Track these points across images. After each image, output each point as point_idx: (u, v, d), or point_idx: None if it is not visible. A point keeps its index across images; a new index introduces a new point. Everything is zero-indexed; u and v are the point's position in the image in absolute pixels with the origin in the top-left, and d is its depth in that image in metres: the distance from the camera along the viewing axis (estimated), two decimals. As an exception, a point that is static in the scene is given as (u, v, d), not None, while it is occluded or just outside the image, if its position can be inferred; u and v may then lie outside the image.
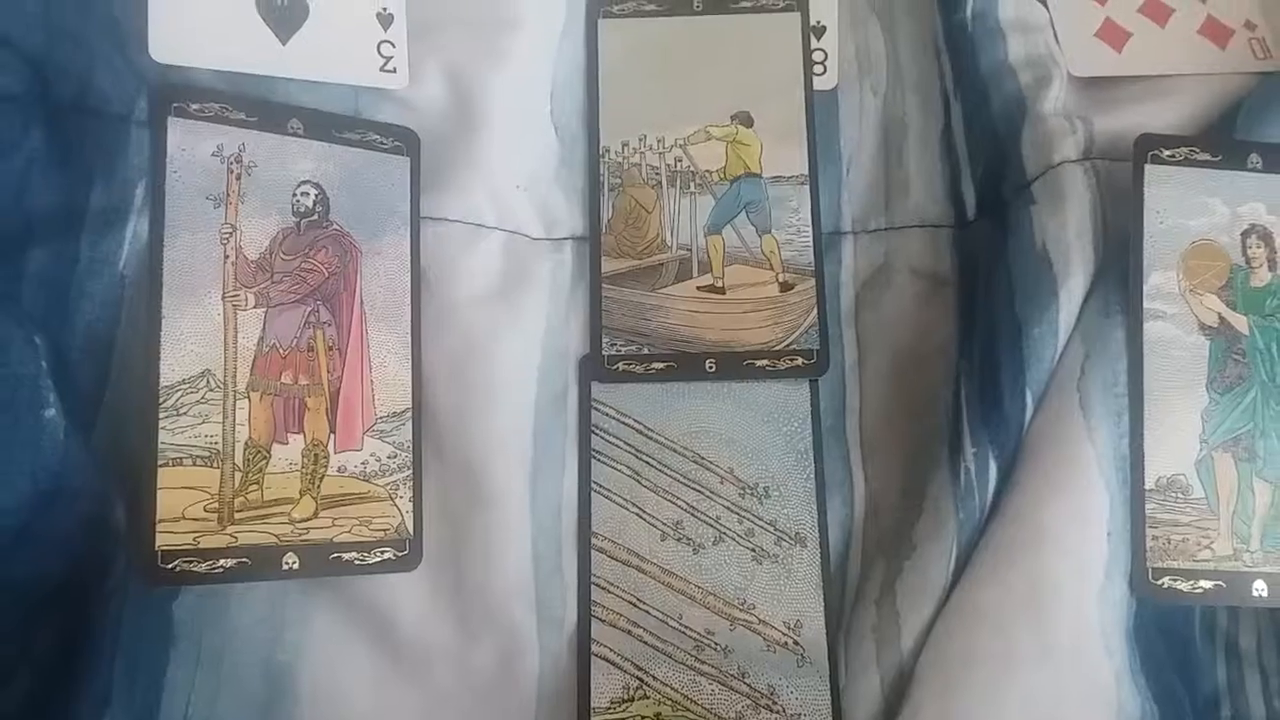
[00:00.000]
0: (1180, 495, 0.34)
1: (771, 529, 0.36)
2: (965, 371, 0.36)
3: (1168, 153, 0.36)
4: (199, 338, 0.32)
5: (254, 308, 0.33)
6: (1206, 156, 0.36)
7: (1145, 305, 0.35)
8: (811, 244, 0.38)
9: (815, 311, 0.38)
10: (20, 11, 0.30)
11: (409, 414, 0.35)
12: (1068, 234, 0.35)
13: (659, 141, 0.39)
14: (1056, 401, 0.34)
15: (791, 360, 0.37)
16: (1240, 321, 0.35)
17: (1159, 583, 0.33)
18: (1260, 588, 0.34)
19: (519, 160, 0.38)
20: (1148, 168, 0.36)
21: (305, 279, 0.34)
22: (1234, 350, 0.35)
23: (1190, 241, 0.36)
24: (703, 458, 0.37)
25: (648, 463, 0.37)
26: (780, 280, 0.38)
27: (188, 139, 0.33)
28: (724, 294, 0.38)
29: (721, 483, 0.37)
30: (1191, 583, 0.34)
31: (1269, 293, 0.36)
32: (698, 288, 0.38)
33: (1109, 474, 0.34)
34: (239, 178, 0.33)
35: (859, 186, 0.40)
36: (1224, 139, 0.37)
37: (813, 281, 0.38)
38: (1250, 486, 0.34)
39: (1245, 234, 0.36)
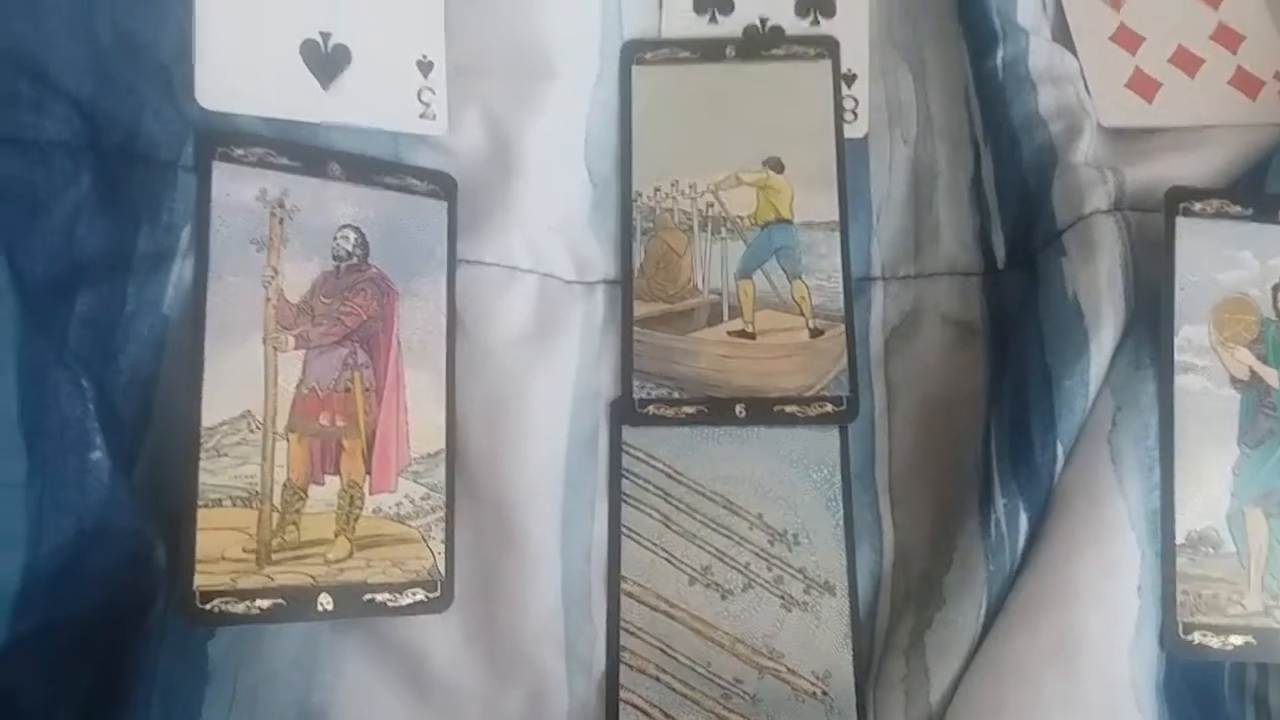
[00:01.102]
0: (1211, 550, 0.34)
1: (800, 576, 0.36)
2: (995, 421, 0.36)
3: (1198, 205, 0.36)
4: (240, 379, 0.32)
5: (294, 349, 0.34)
6: (1238, 209, 0.36)
7: (1176, 358, 0.35)
8: (842, 290, 0.39)
9: (845, 358, 0.38)
10: (72, 59, 0.31)
11: (443, 455, 0.36)
12: (1099, 285, 0.35)
13: (691, 186, 0.40)
14: (1087, 454, 0.34)
15: (821, 406, 0.37)
16: (1271, 375, 0.35)
17: (1189, 638, 0.33)
18: (1292, 644, 0.34)
19: (553, 204, 0.39)
20: (1179, 220, 0.36)
21: (344, 321, 0.35)
22: (1265, 404, 0.35)
23: (1221, 295, 0.36)
24: (732, 503, 0.37)
25: (677, 507, 0.37)
26: (810, 326, 0.38)
27: (232, 184, 0.33)
28: (754, 339, 0.38)
29: (751, 529, 0.37)
30: (1222, 639, 0.34)
31: (1300, 347, 0.36)
32: (728, 332, 0.38)
33: (1140, 527, 0.34)
34: (281, 221, 0.34)
35: (889, 233, 0.40)
36: (1255, 192, 0.37)
37: (843, 328, 0.38)
38: (1281, 541, 0.35)
39: (1276, 288, 0.36)
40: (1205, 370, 0.35)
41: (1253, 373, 0.35)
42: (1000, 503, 0.35)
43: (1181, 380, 0.35)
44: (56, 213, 0.31)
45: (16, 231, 0.29)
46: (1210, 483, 0.34)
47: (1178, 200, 0.36)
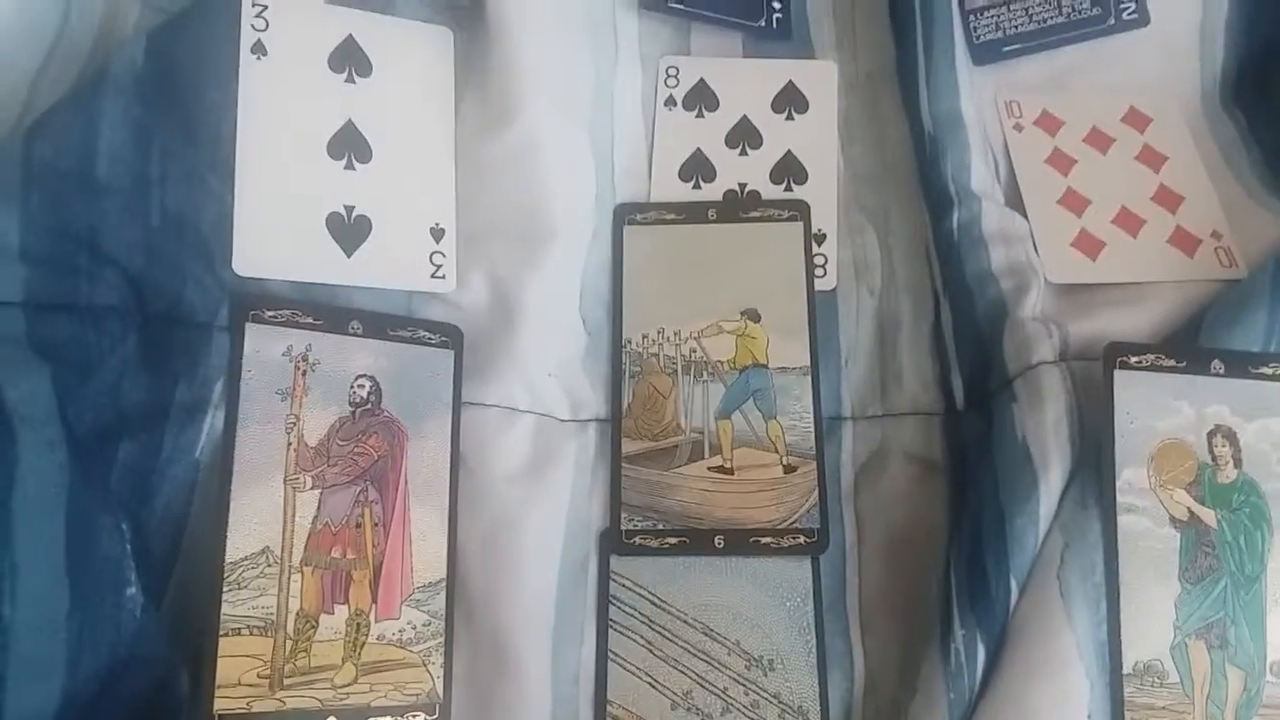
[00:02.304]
0: (1157, 680, 0.36)
1: (775, 701, 0.39)
2: (955, 555, 0.39)
3: (1135, 359, 0.39)
4: (262, 518, 0.36)
5: (311, 489, 0.37)
6: (1172, 363, 0.39)
7: (1119, 499, 0.38)
8: (813, 429, 0.42)
9: (816, 493, 0.41)
10: (125, 238, 0.36)
11: (443, 584, 0.39)
12: (1046, 430, 0.39)
13: (676, 334, 0.44)
14: (1038, 589, 0.37)
15: (794, 538, 0.40)
16: (1209, 516, 0.38)
17: (1138, 765, 0.35)
18: (1235, 773, 0.36)
19: (551, 351, 0.42)
20: (1117, 373, 0.39)
21: (357, 462, 0.38)
22: (1203, 543, 0.38)
23: (1159, 441, 0.39)
24: (711, 629, 0.40)
25: (660, 633, 0.40)
26: (784, 463, 0.42)
27: (262, 342, 0.37)
28: (733, 475, 0.42)
29: (729, 654, 0.39)
30: (1169, 766, 0.36)
31: (1235, 489, 0.38)
32: (709, 468, 0.42)
33: (1089, 658, 0.36)
34: (304, 374, 0.38)
35: (857, 377, 0.44)
36: (1188, 346, 0.40)
37: (814, 465, 0.41)
38: (1223, 673, 0.37)
39: (1210, 434, 0.39)
40: (1146, 510, 0.38)
41: (1191, 513, 0.38)
42: (960, 633, 0.37)
43: (1124, 520, 0.38)
44: (105, 371, 0.34)
45: (70, 389, 0.33)
46: (1154, 616, 0.37)
47: (1115, 355, 0.39)
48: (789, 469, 0.41)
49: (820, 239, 0.45)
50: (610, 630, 0.40)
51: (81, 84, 0.37)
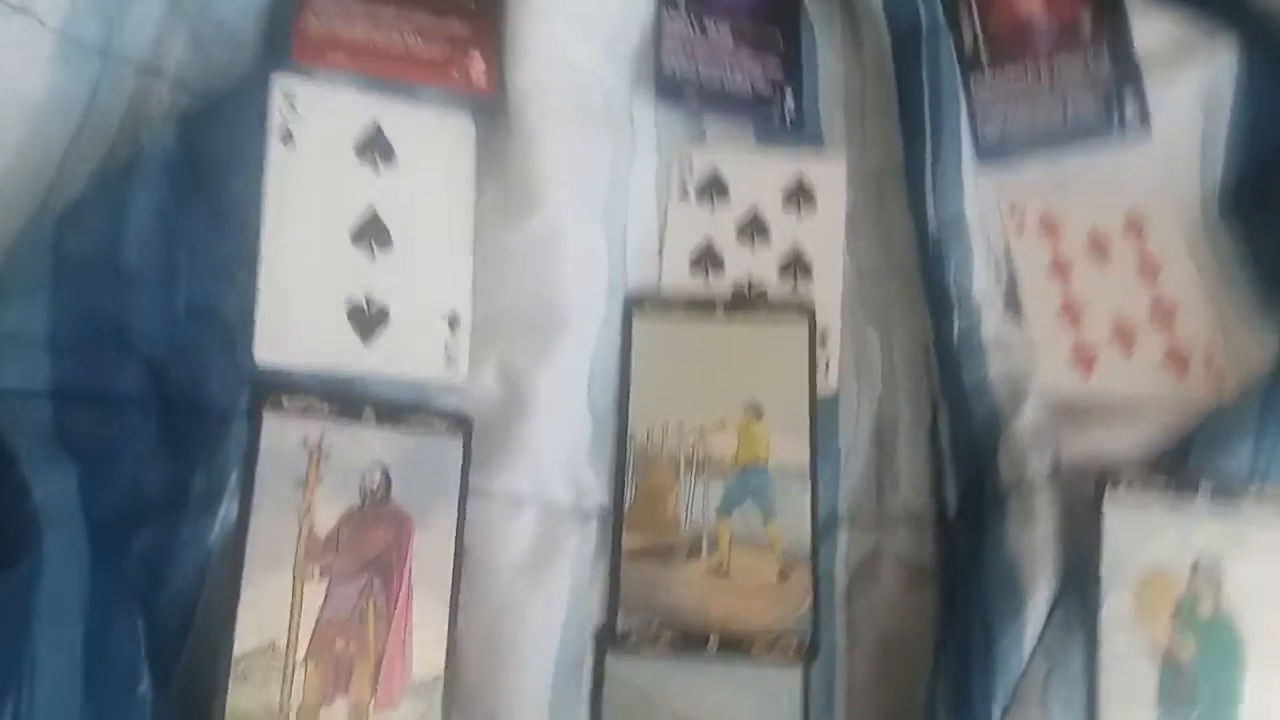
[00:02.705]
0: (1133, 808, 0.38)
1: (762, 808, 0.40)
2: (942, 670, 0.40)
3: (1124, 485, 0.41)
4: (270, 609, 0.37)
5: (319, 580, 0.38)
6: (1161, 487, 0.41)
7: (1102, 626, 0.39)
8: (809, 533, 0.43)
9: (810, 599, 0.42)
10: (151, 328, 0.36)
11: (441, 677, 0.39)
12: (1034, 550, 0.40)
13: (680, 427, 0.44)
14: (1022, 713, 0.38)
15: (786, 645, 0.41)
16: (1188, 648, 0.39)
17: None
18: None
19: (558, 440, 0.43)
20: (1106, 497, 0.40)
21: (364, 553, 0.39)
22: (1182, 673, 0.39)
23: (1144, 570, 0.40)
24: (703, 732, 0.41)
25: (652, 733, 0.41)
26: (780, 567, 0.42)
27: (279, 431, 0.38)
28: (729, 576, 0.42)
29: (719, 759, 0.40)
30: None
31: (1213, 624, 0.39)
32: (706, 569, 0.43)
33: (1070, 787, 0.37)
34: (318, 463, 0.38)
35: (854, 479, 0.44)
36: (1178, 471, 0.41)
37: (809, 568, 0.42)
38: (1198, 801, 0.38)
39: (1194, 566, 0.40)
40: (1128, 639, 0.39)
41: (1170, 644, 0.39)
42: (941, 742, 0.38)
43: (1107, 647, 0.39)
44: (126, 461, 0.35)
45: (91, 481, 0.33)
46: (1134, 744, 0.38)
47: (1106, 479, 0.41)
48: (784, 574, 0.42)
49: (824, 340, 0.46)
50: (603, 729, 0.40)
51: (112, 172, 0.38)
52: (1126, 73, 0.50)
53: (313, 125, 0.41)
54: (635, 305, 0.46)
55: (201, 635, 0.36)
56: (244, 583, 0.36)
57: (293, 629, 0.37)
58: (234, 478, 0.37)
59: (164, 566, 0.35)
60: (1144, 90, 0.50)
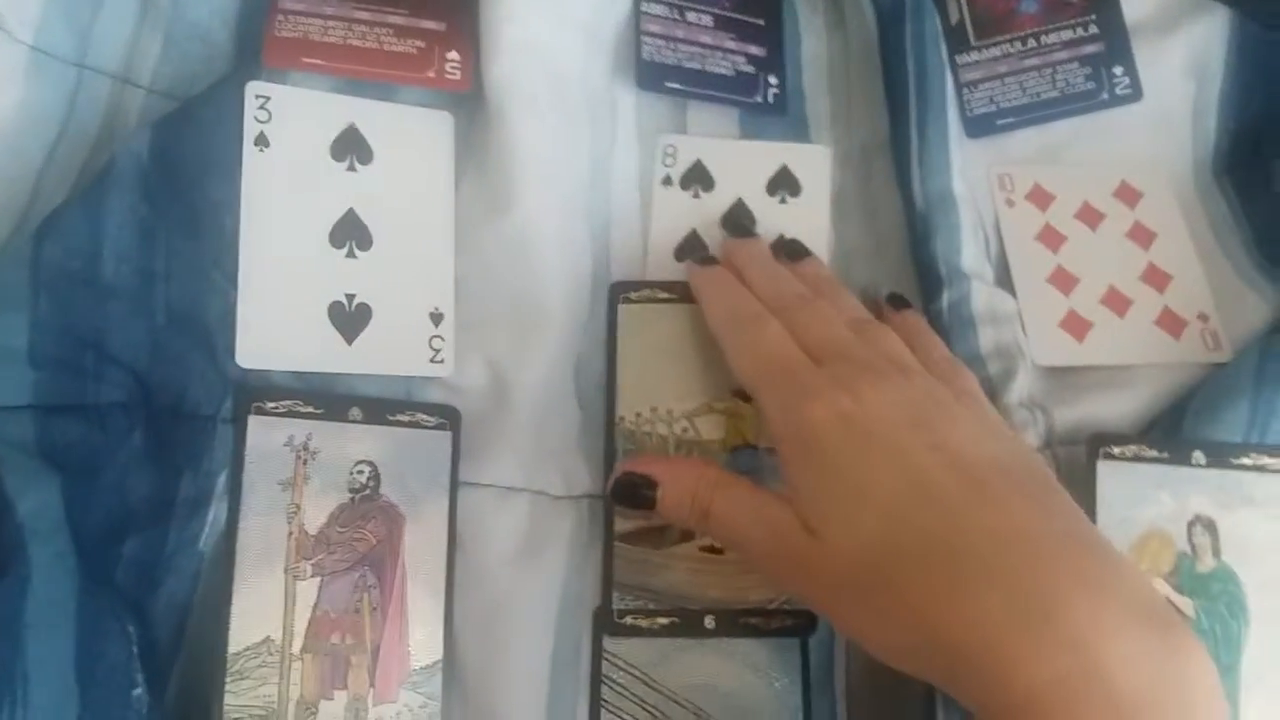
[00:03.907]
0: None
1: (762, 784, 0.40)
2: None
3: (1118, 450, 0.40)
4: (263, 608, 0.37)
5: (311, 577, 0.38)
6: (1154, 454, 0.40)
7: (1099, 590, 0.39)
8: (803, 511, 0.43)
9: (804, 576, 0.42)
10: (131, 337, 0.37)
11: (439, 665, 0.40)
12: (1030, 519, 0.40)
13: (668, 413, 0.44)
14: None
15: (782, 620, 0.41)
16: (1187, 605, 0.39)
17: None
18: None
19: (546, 429, 0.43)
20: (1099, 464, 0.40)
21: (356, 548, 0.39)
22: (1181, 634, 0.39)
23: (1140, 531, 0.40)
24: (702, 710, 0.41)
25: (652, 713, 0.41)
26: (774, 545, 0.42)
27: (264, 433, 0.38)
28: (722, 554, 0.42)
29: (719, 736, 0.40)
30: None
31: (1213, 578, 0.39)
32: (699, 548, 0.43)
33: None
34: (305, 463, 0.39)
35: (845, 454, 0.44)
36: (1170, 438, 0.41)
37: (803, 546, 0.42)
38: (1200, 763, 0.38)
39: (1190, 524, 0.40)
40: (1126, 601, 0.39)
41: (1170, 599, 0.39)
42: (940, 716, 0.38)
43: (1104, 611, 0.39)
44: (112, 469, 0.35)
45: (77, 492, 0.34)
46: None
47: (1099, 445, 0.40)
48: (778, 550, 0.42)
49: (811, 320, 0.46)
50: (603, 710, 0.40)
51: (88, 182, 0.38)
52: (1116, 43, 0.49)
53: (288, 128, 0.41)
54: (620, 291, 0.46)
55: (197, 637, 0.37)
56: (236, 583, 0.37)
57: (287, 625, 0.37)
58: (222, 481, 0.38)
59: (156, 571, 0.36)
60: (1134, 60, 0.49)
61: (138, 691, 0.33)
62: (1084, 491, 0.40)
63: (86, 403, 0.36)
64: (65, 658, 0.31)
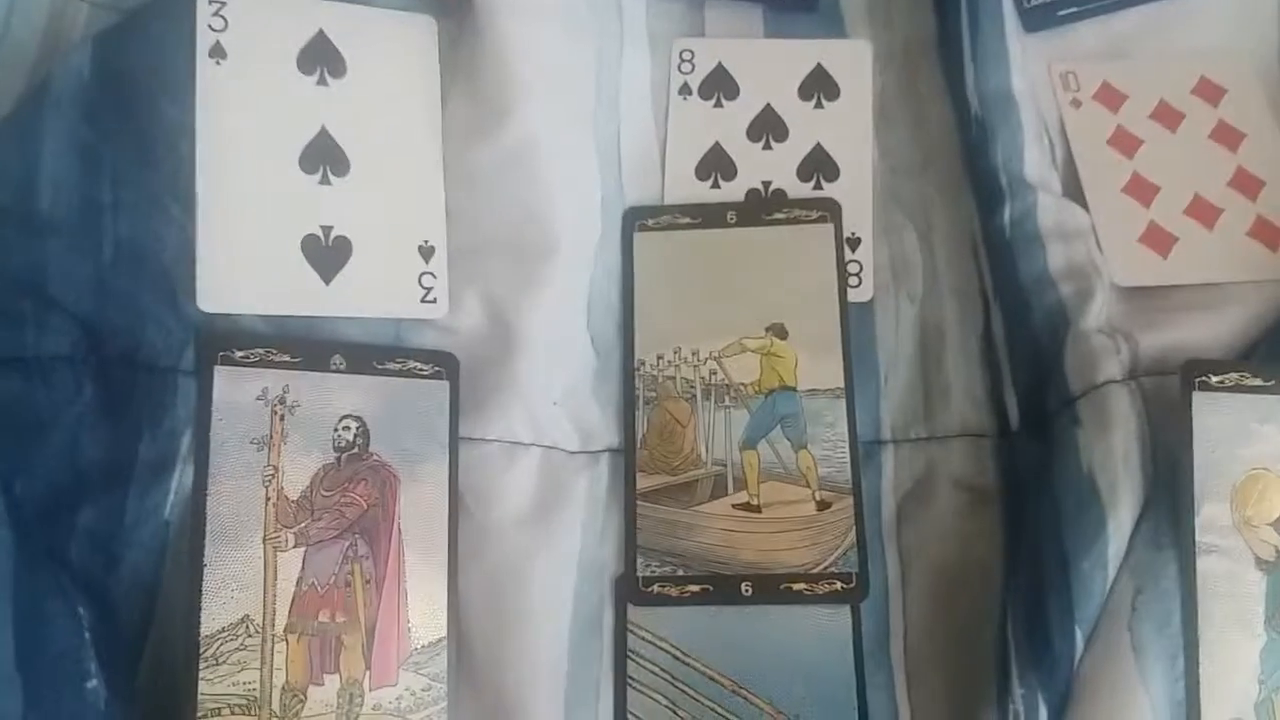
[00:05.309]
0: (1241, 743, 0.33)
1: (812, 765, 0.35)
2: (1012, 602, 0.35)
3: (1216, 379, 0.35)
4: (239, 583, 0.33)
5: (294, 547, 0.34)
6: (1257, 381, 0.35)
7: (1198, 539, 0.34)
8: (849, 459, 0.38)
9: (854, 532, 0.37)
10: (74, 277, 0.32)
11: (444, 644, 0.35)
12: (1115, 461, 0.34)
13: (694, 354, 0.40)
14: (1107, 642, 0.33)
15: (830, 584, 0.37)
16: (1299, 556, 0.34)
17: (1220, 836, 0.32)
18: (1327, 844, 0.32)
19: (556, 377, 0.39)
20: (1195, 395, 0.35)
21: (344, 513, 0.35)
22: (1294, 588, 0.34)
23: (1243, 472, 0.34)
24: (741, 686, 0.36)
25: (684, 691, 0.36)
26: (817, 499, 0.38)
27: (233, 386, 0.34)
28: (760, 512, 0.38)
29: (760, 713, 0.36)
30: (1254, 837, 0.32)
31: (1330, 523, 0.34)
32: (733, 505, 0.38)
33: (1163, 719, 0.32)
34: (282, 418, 0.34)
35: (898, 395, 0.40)
36: (1273, 363, 0.36)
37: (850, 500, 0.37)
38: (1317, 733, 0.33)
39: (1301, 463, 0.35)
40: (1228, 551, 0.34)
41: (1278, 552, 0.34)
42: (1019, 693, 0.34)
43: (1204, 562, 0.33)
44: (60, 428, 0.31)
45: (17, 458, 0.30)
46: (1237, 670, 0.33)
47: (1193, 374, 0.35)
48: (822, 505, 0.37)
49: (854, 243, 0.40)
50: (629, 688, 0.36)
51: (21, 104, 0.34)
52: (1190, -84, 0.44)
53: (247, 37, 0.36)
54: (635, 219, 0.41)
55: (167, 619, 0.33)
56: (207, 556, 0.32)
57: (268, 602, 0.33)
58: (186, 441, 0.33)
59: (114, 545, 0.32)
60: (1210, -65, 0.44)
61: (93, 684, 0.29)
62: (1179, 427, 0.34)
63: (26, 355, 0.31)
64: (2, 643, 0.27)
